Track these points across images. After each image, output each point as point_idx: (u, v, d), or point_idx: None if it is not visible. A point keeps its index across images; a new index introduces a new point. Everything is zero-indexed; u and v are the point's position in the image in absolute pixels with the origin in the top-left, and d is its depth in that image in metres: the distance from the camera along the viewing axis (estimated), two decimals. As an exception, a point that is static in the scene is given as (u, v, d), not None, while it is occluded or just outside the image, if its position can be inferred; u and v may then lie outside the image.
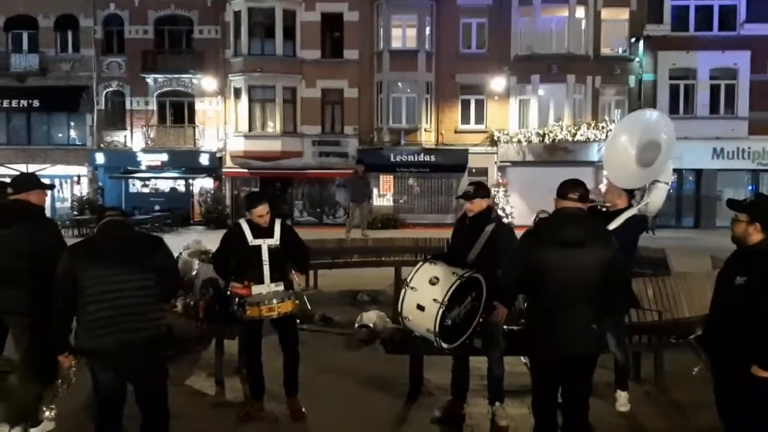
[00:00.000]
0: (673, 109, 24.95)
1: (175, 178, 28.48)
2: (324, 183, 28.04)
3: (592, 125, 25.32)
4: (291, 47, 26.76)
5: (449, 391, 5.11)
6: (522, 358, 5.47)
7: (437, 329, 4.21)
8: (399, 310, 4.49)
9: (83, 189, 28.21)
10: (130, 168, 27.69)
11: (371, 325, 7.06)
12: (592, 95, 26.22)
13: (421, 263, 4.57)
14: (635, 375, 5.74)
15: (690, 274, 6.75)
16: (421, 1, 26.20)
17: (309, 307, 5.72)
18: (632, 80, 26.39)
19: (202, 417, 5.05)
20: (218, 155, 27.50)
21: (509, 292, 4.26)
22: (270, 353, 5.15)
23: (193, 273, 6.95)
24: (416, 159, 26.55)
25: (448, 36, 26.54)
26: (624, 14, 26.30)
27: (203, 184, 28.26)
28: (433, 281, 4.33)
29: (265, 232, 4.88)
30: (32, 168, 25.01)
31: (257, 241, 4.84)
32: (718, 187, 26.17)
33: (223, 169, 27.59)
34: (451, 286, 4.21)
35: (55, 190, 25.26)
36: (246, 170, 27.25)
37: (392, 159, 26.37)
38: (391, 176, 27.10)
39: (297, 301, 5.02)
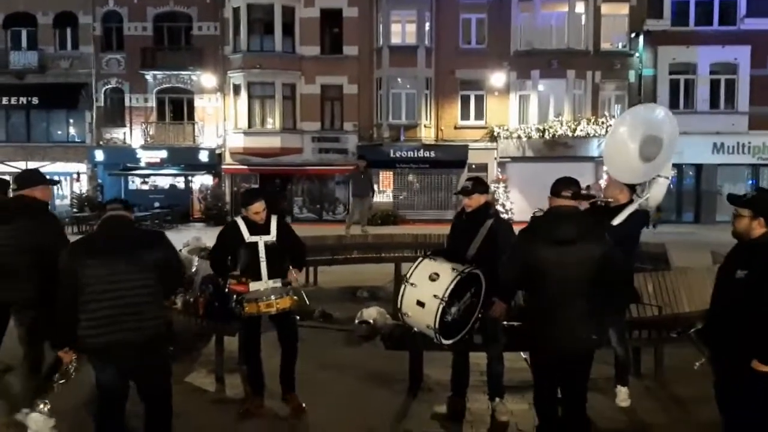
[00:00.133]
0: (673, 104, 24.87)
1: (175, 175, 28.45)
2: (324, 179, 28.00)
3: (592, 120, 25.27)
4: (290, 43, 26.69)
5: (449, 386, 5.11)
6: (522, 353, 5.47)
7: (437, 325, 4.20)
8: (398, 306, 4.48)
9: (83, 186, 28.18)
10: (129, 165, 27.65)
11: (371, 321, 7.06)
12: (592, 90, 26.15)
13: (420, 259, 4.57)
14: (635, 370, 5.73)
15: (690, 269, 6.75)
16: (421, -4, 26.13)
17: (307, 303, 5.70)
18: (632, 75, 26.34)
19: (202, 414, 5.04)
20: (218, 152, 27.47)
21: (508, 287, 4.27)
22: (269, 350, 5.15)
23: (193, 270, 6.94)
24: (416, 155, 26.49)
25: (447, 31, 26.46)
26: (624, 9, 26.23)
27: (203, 180, 28.24)
28: (433, 277, 4.32)
29: (262, 228, 4.88)
30: (31, 165, 24.99)
31: (254, 238, 4.84)
32: (719, 181, 26.15)
33: (223, 166, 27.56)
34: (451, 282, 4.21)
35: (55, 188, 25.23)
36: (245, 167, 27.23)
37: (392, 155, 26.32)
38: (391, 172, 27.07)
39: (295, 297, 5.01)
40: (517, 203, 24.34)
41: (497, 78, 25.93)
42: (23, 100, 27.37)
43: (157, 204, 27.39)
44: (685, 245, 12.99)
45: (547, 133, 25.27)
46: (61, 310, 3.62)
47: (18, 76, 27.36)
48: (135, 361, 3.63)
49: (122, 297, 3.57)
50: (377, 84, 26.61)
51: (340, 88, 27.13)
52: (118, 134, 28.06)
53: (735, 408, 3.48)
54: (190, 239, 9.62)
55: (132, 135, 27.87)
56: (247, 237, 4.83)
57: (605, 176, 7.12)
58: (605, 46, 26.34)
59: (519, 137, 25.90)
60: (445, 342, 4.35)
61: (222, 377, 5.86)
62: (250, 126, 26.54)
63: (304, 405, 5.00)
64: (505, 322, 4.52)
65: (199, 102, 27.74)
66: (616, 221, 4.75)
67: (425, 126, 26.39)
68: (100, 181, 28.12)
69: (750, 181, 26.17)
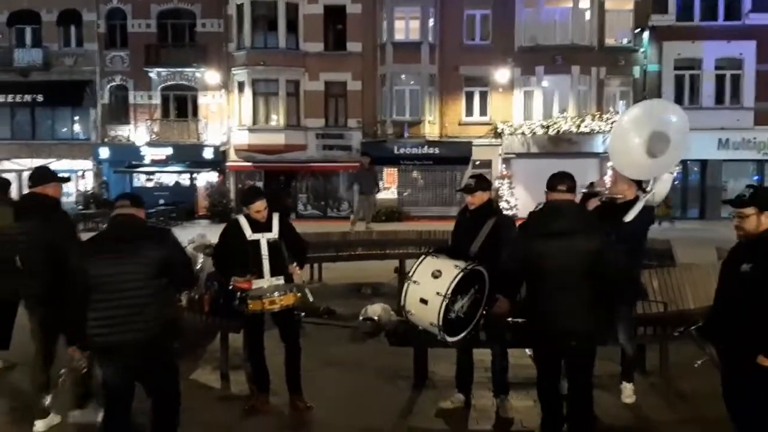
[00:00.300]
0: (678, 100, 24.72)
1: (179, 172, 28.48)
2: (328, 176, 28.02)
3: (597, 116, 25.20)
4: (294, 40, 26.68)
5: (454, 383, 5.11)
6: (527, 350, 5.46)
7: (441, 323, 4.19)
8: (402, 304, 4.47)
9: (88, 183, 28.25)
10: (134, 162, 27.69)
11: (375, 317, 7.05)
12: (596, 86, 26.09)
13: (423, 256, 4.55)
14: (640, 366, 5.72)
15: (695, 265, 6.71)
16: (424, -8, 26.08)
17: (311, 300, 5.71)
18: (637, 71, 26.25)
19: (207, 410, 5.06)
20: (222, 149, 27.49)
21: (511, 283, 4.29)
22: (273, 347, 5.16)
23: (198, 267, 6.94)
24: (420, 151, 26.48)
25: (451, 28, 26.41)
26: (628, 4, 26.14)
27: (207, 177, 28.25)
28: (436, 274, 4.30)
29: (264, 226, 4.89)
30: (37, 163, 25.04)
31: (256, 236, 4.85)
32: (724, 177, 26.08)
33: (227, 163, 27.59)
34: (453, 279, 4.19)
35: (61, 185, 25.28)
36: (250, 164, 27.24)
37: (396, 152, 26.30)
38: (395, 169, 27.07)
39: (299, 294, 5.02)
40: (522, 199, 24.29)
41: (501, 74, 25.86)
42: (28, 97, 27.46)
43: (161, 201, 27.39)
44: (690, 241, 12.93)
45: (551, 129, 25.23)
46: (73, 308, 3.64)
47: (22, 73, 27.42)
48: (142, 360, 3.64)
49: (128, 297, 3.59)
50: (381, 80, 26.58)
51: (344, 85, 27.13)
52: (122, 131, 28.09)
53: (742, 404, 3.46)
54: (195, 236, 9.58)
55: (137, 132, 27.91)
56: (249, 235, 4.84)
57: (610, 172, 7.08)
58: (610, 41, 26.25)
59: (523, 133, 25.86)
60: (449, 339, 4.34)
61: (227, 374, 5.87)
62: (254, 123, 26.56)
63: (310, 405, 5.00)
64: (509, 319, 4.52)
65: (203, 99, 27.75)
66: (627, 218, 4.70)
67: (429, 122, 26.36)
68: (105, 178, 28.16)
69: (755, 177, 26.06)
